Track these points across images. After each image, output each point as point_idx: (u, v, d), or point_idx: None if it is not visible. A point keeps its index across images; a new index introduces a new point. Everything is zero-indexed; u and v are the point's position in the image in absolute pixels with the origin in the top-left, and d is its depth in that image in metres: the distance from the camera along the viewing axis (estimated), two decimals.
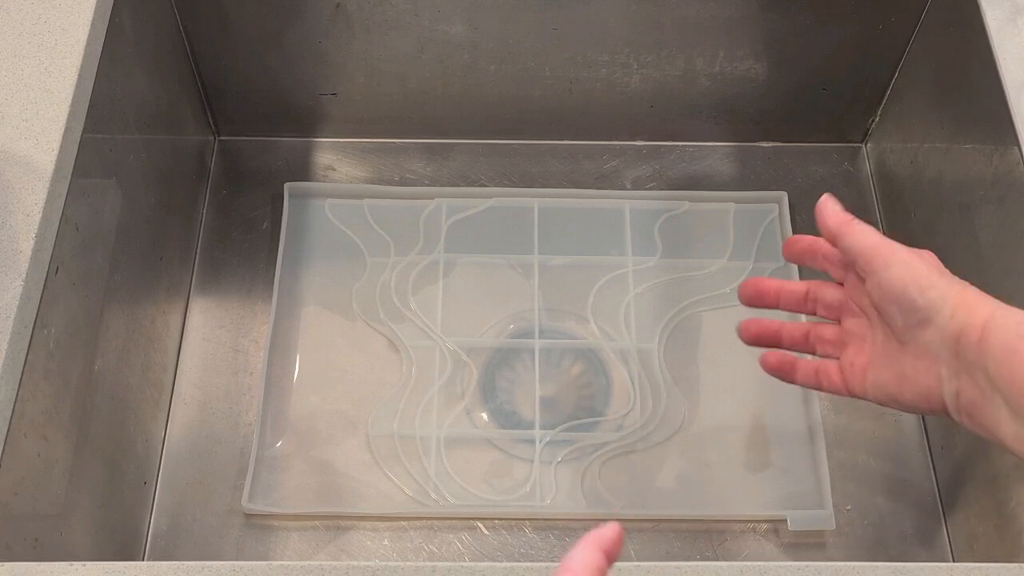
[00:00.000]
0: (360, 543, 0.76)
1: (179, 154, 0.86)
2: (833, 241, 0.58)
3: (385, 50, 0.85)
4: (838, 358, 0.60)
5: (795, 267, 0.86)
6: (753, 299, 0.64)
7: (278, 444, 0.79)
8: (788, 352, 0.64)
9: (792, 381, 0.63)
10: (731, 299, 0.86)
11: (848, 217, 0.57)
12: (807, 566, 0.50)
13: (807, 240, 0.61)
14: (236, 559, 0.66)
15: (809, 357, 0.62)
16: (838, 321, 0.61)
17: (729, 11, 0.82)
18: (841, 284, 0.60)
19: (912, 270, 0.54)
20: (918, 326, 0.54)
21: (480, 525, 0.76)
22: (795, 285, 0.62)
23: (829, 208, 0.58)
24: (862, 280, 0.57)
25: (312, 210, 0.89)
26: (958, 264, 0.76)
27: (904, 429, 0.81)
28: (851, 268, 0.59)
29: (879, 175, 0.92)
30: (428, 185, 0.91)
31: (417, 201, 0.90)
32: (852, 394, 0.59)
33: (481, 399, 0.81)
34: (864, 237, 0.56)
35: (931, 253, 0.56)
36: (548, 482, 0.78)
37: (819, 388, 0.61)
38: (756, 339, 0.64)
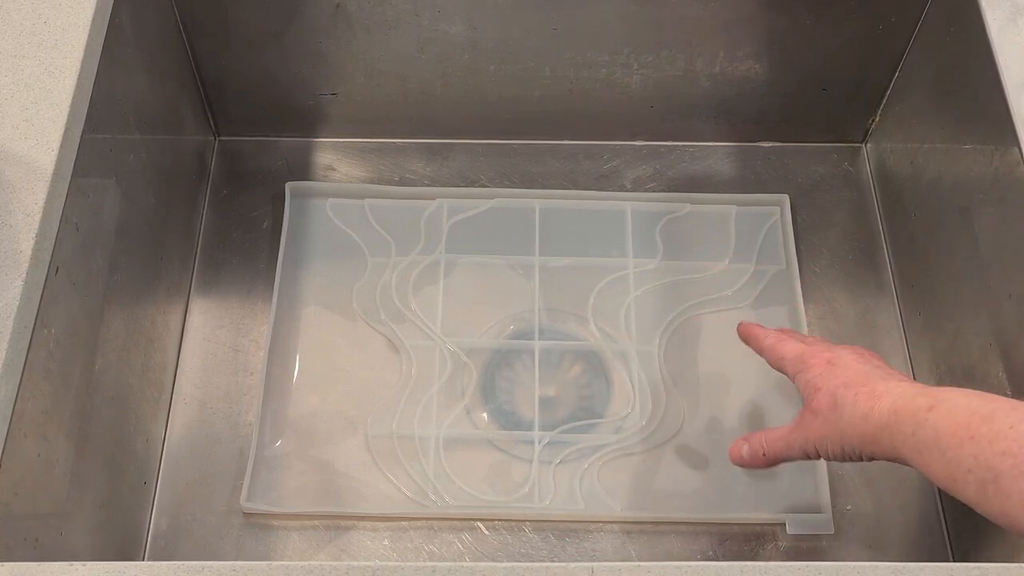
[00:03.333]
0: (360, 543, 0.76)
1: (179, 154, 0.86)
2: (761, 353, 0.71)
3: (385, 50, 0.85)
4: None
5: (795, 269, 0.86)
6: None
7: (277, 444, 0.79)
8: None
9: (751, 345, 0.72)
10: (732, 302, 0.86)
11: (759, 456, 0.67)
12: (807, 566, 0.50)
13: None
14: (236, 559, 0.66)
15: None
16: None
17: (729, 11, 0.82)
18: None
19: (832, 452, 0.62)
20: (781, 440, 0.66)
21: (480, 525, 0.76)
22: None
23: (753, 334, 0.72)
24: None
25: (313, 210, 0.89)
26: (958, 264, 0.76)
27: None
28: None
29: (879, 175, 0.92)
30: (428, 185, 0.91)
31: (418, 201, 0.90)
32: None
33: (481, 400, 0.81)
34: (789, 457, 0.65)
35: (830, 363, 0.63)
36: (547, 483, 0.78)
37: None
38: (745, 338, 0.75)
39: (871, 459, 0.59)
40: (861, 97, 0.90)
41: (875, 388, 0.58)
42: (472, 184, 0.91)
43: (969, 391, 0.53)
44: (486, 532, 0.76)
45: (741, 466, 0.68)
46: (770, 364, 0.69)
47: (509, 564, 0.50)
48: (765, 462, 0.66)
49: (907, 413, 0.54)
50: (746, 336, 0.72)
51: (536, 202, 0.90)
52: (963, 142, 0.76)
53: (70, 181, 0.62)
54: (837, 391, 0.60)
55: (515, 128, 0.93)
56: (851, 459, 0.60)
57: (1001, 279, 0.70)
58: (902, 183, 0.87)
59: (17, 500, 0.57)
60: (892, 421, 0.55)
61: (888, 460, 0.57)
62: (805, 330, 0.83)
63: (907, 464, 0.55)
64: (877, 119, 0.91)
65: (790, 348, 0.67)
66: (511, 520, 0.77)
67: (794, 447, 0.63)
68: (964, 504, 0.74)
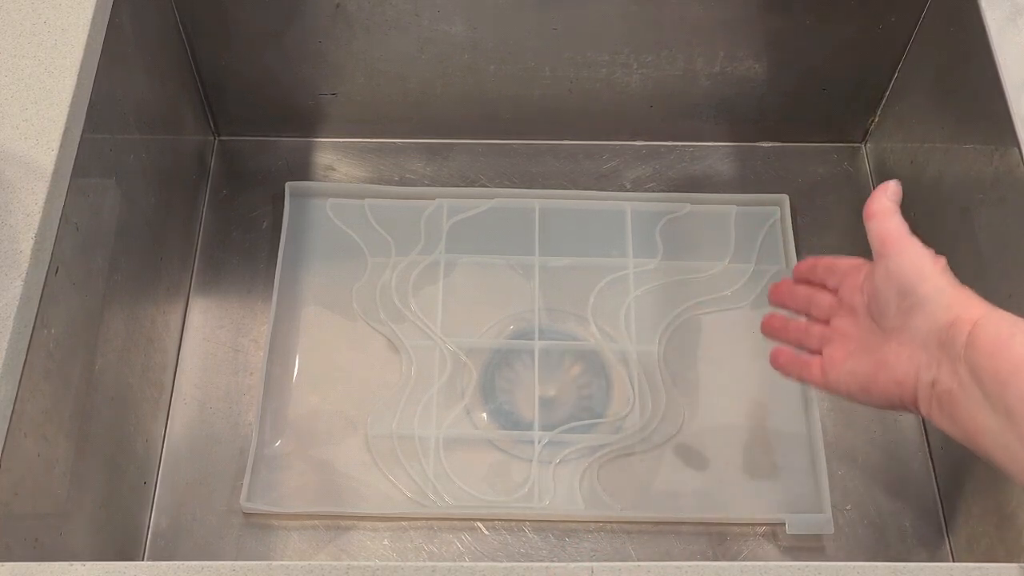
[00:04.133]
0: (360, 543, 0.76)
1: (179, 154, 0.86)
2: (865, 219, 0.61)
3: (385, 50, 0.85)
4: (818, 353, 0.64)
5: None
6: (774, 301, 0.70)
7: (277, 443, 0.79)
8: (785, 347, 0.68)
9: (787, 374, 0.66)
10: (732, 302, 0.86)
11: (892, 209, 0.61)
12: (807, 566, 0.50)
13: (807, 262, 0.67)
14: (236, 559, 0.66)
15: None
16: (827, 322, 0.64)
17: (729, 11, 0.82)
18: (834, 291, 0.64)
19: (920, 262, 0.58)
20: (910, 311, 0.57)
21: (480, 525, 0.76)
22: (801, 290, 0.67)
23: (882, 195, 0.62)
24: (860, 276, 0.61)
25: (313, 210, 0.89)
26: (958, 264, 0.76)
27: (904, 429, 0.81)
28: (850, 274, 0.63)
29: (879, 175, 0.92)
30: (428, 185, 0.91)
31: (418, 201, 0.90)
32: (827, 387, 0.62)
33: (481, 400, 0.81)
34: (892, 225, 0.60)
35: (943, 258, 0.59)
36: (547, 483, 0.78)
37: (800, 377, 0.65)
38: (767, 329, 0.69)
39: (920, 304, 0.56)
40: (861, 97, 0.90)
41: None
42: (472, 184, 0.91)
43: None
44: (486, 532, 0.76)
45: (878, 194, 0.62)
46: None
47: (509, 564, 0.50)
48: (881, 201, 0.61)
49: (1009, 314, 0.54)
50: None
51: (536, 202, 0.90)
52: (963, 142, 0.76)
53: (70, 181, 0.62)
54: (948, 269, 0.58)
55: (515, 128, 0.93)
56: (912, 285, 0.57)
57: (1001, 279, 0.70)
58: (902, 183, 0.87)
59: (17, 500, 0.57)
60: (988, 311, 0.54)
61: (955, 332, 0.54)
62: None
63: (971, 346, 0.53)
64: (877, 119, 0.91)
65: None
66: (511, 520, 0.77)
67: (900, 229, 0.59)
68: (964, 504, 0.75)
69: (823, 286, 0.66)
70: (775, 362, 0.67)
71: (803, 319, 0.67)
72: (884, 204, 0.61)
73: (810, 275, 0.67)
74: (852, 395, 0.60)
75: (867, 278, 0.61)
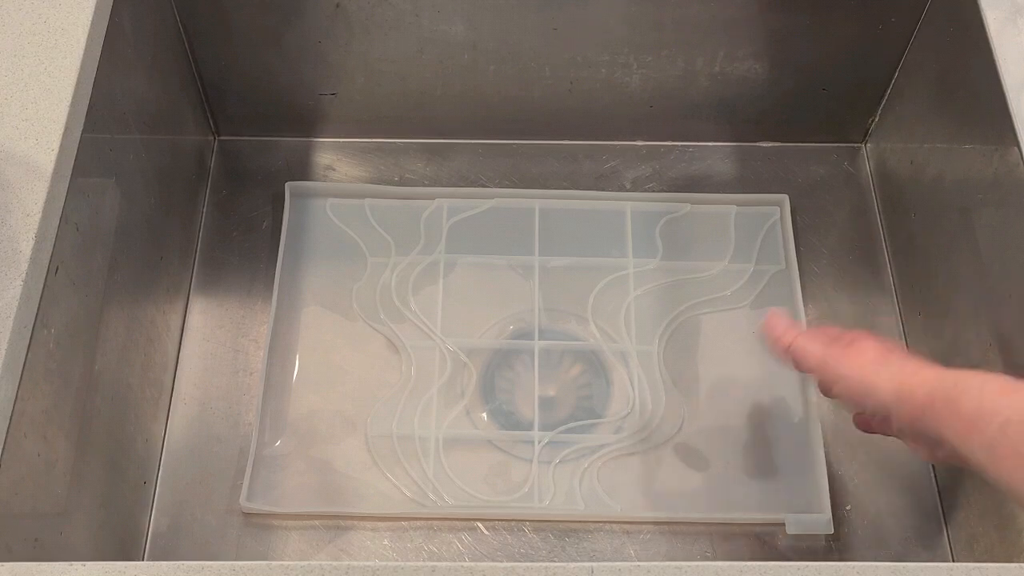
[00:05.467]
0: (360, 543, 0.76)
1: (179, 154, 0.86)
2: (780, 359, 0.65)
3: (385, 50, 0.85)
4: None
5: (795, 269, 0.86)
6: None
7: (277, 443, 0.79)
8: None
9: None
10: (732, 302, 0.86)
11: (787, 343, 0.64)
12: (807, 566, 0.50)
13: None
14: (236, 559, 0.66)
15: None
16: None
17: (729, 11, 0.82)
18: None
19: (850, 386, 0.60)
20: (884, 421, 0.61)
21: (480, 525, 0.76)
22: None
23: (769, 339, 0.66)
24: None
25: (313, 210, 0.89)
26: (958, 264, 0.76)
27: None
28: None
29: (879, 175, 0.92)
30: (428, 185, 0.91)
31: (418, 201, 0.90)
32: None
33: (481, 400, 0.81)
34: (804, 363, 0.63)
35: (866, 338, 0.62)
36: (547, 483, 0.78)
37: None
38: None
39: (882, 414, 0.59)
40: (861, 97, 0.90)
41: (929, 363, 0.59)
42: (472, 184, 0.91)
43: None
44: (486, 532, 0.76)
45: (766, 332, 0.66)
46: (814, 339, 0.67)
47: (509, 564, 0.50)
48: (783, 353, 0.65)
49: (958, 374, 0.56)
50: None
51: (536, 202, 0.90)
52: (963, 142, 0.76)
53: (70, 181, 0.62)
54: (892, 350, 0.61)
55: (515, 128, 0.93)
56: (858, 402, 0.60)
57: (1001, 279, 0.70)
58: (902, 183, 0.87)
59: (17, 500, 0.57)
60: (939, 377, 0.56)
61: (905, 420, 0.57)
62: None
63: (925, 426, 0.56)
64: (877, 119, 0.91)
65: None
66: (511, 520, 0.77)
67: (816, 358, 0.62)
68: (964, 504, 0.75)
69: None
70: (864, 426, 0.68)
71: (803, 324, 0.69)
72: (782, 343, 0.64)
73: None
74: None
75: None
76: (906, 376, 0.58)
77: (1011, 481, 0.50)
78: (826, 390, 0.63)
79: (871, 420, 0.65)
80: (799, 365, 0.64)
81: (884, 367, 0.59)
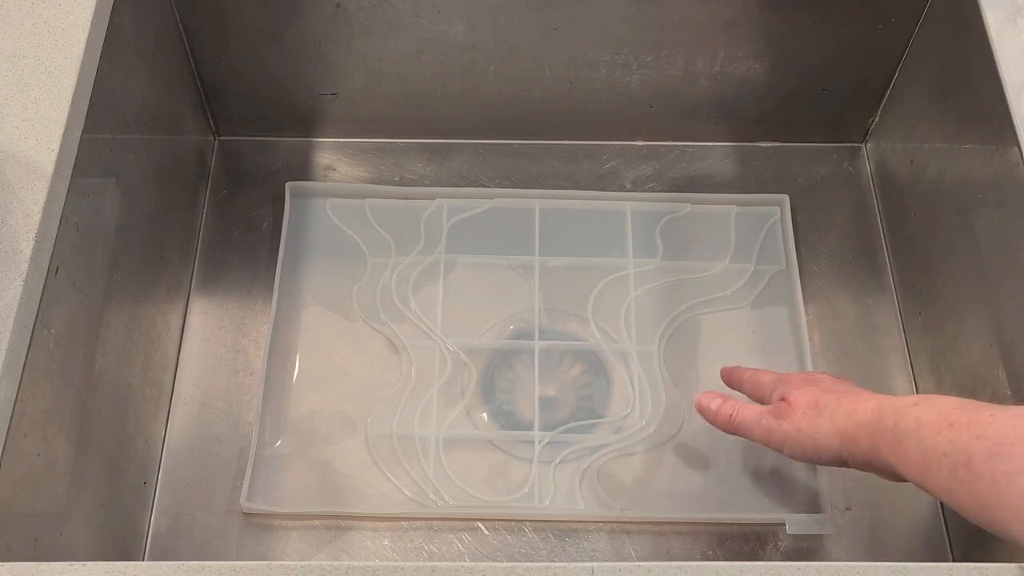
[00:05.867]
0: (360, 543, 0.76)
1: (179, 154, 0.86)
2: (730, 433, 0.69)
3: (385, 50, 0.85)
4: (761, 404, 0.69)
5: (795, 269, 0.86)
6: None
7: (277, 444, 0.79)
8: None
9: (714, 422, 0.71)
10: (732, 302, 0.86)
11: (725, 421, 0.68)
12: (807, 566, 0.50)
13: (727, 373, 0.75)
14: (236, 559, 0.66)
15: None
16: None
17: (729, 11, 0.82)
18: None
19: (795, 448, 0.62)
20: (840, 467, 0.62)
21: (480, 525, 0.76)
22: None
23: (708, 416, 0.70)
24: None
25: (313, 210, 0.89)
26: (958, 264, 0.76)
27: None
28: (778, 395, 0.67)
29: (879, 175, 0.92)
30: (428, 185, 0.91)
31: (418, 201, 0.90)
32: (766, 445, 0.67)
33: (481, 400, 0.81)
34: (751, 437, 0.66)
35: (797, 385, 0.64)
36: (547, 483, 0.78)
37: (735, 434, 0.70)
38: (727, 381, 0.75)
39: (839, 463, 0.60)
40: (861, 97, 0.90)
41: (859, 395, 0.60)
42: (472, 184, 0.91)
43: (953, 397, 0.55)
44: (486, 532, 0.76)
45: (700, 412, 0.71)
46: (750, 394, 0.71)
47: (509, 564, 0.50)
48: (726, 427, 0.68)
49: (891, 408, 0.56)
50: (727, 376, 0.75)
51: (536, 202, 0.90)
52: (963, 142, 0.76)
53: (70, 181, 0.62)
54: (820, 396, 0.62)
55: (515, 128, 0.93)
56: (813, 459, 0.62)
57: (1001, 279, 0.70)
58: (902, 183, 0.87)
59: (17, 500, 0.57)
60: (875, 417, 0.56)
61: (860, 464, 0.59)
62: (805, 330, 0.83)
63: (880, 465, 0.57)
64: (877, 119, 0.91)
65: (767, 373, 0.70)
66: (511, 520, 0.77)
67: (759, 429, 0.64)
68: None
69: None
70: (700, 406, 0.72)
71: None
72: (722, 417, 0.68)
73: (736, 384, 0.73)
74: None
75: None
76: (843, 421, 0.59)
77: (980, 519, 0.50)
78: (777, 452, 0.64)
79: None
80: (751, 438, 0.66)
81: (819, 417, 0.60)
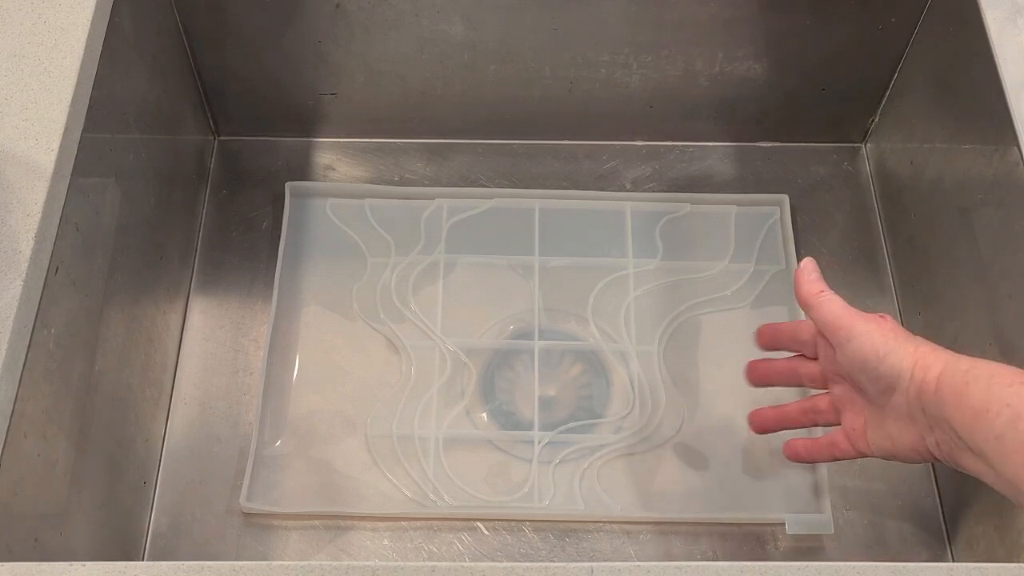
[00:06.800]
0: (360, 543, 0.76)
1: (179, 154, 0.86)
2: (804, 309, 0.64)
3: (385, 50, 0.85)
4: (838, 424, 0.65)
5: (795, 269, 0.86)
6: (755, 382, 0.72)
7: (277, 444, 0.79)
8: (799, 435, 0.71)
9: (812, 462, 0.70)
10: (732, 302, 0.86)
11: (818, 288, 0.63)
12: (807, 566, 0.50)
13: (767, 330, 0.69)
14: (236, 559, 0.66)
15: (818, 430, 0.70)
16: (827, 389, 0.66)
17: (729, 11, 0.82)
18: (815, 358, 0.66)
19: (869, 341, 0.59)
20: (886, 391, 0.59)
21: (480, 525, 0.76)
22: (780, 363, 0.69)
23: (803, 279, 0.64)
24: (832, 350, 0.62)
25: (313, 210, 0.89)
26: (958, 264, 0.76)
27: None
28: (819, 343, 0.65)
29: (879, 175, 0.92)
30: (428, 185, 0.91)
31: (418, 201, 0.90)
32: (863, 455, 0.64)
33: (480, 400, 0.81)
34: (827, 310, 0.62)
35: (888, 317, 0.61)
36: (547, 483, 0.78)
37: (836, 459, 0.66)
38: (763, 428, 0.71)
39: (893, 379, 0.58)
40: (861, 97, 0.90)
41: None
42: (472, 184, 0.91)
43: None
44: (486, 532, 0.76)
45: (799, 275, 0.64)
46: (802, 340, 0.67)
47: (509, 564, 0.50)
48: (809, 298, 0.63)
49: (966, 358, 0.56)
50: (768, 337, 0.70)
51: (536, 202, 0.90)
52: (963, 142, 0.76)
53: (70, 181, 0.62)
54: (907, 332, 0.60)
55: (515, 128, 0.93)
56: (876, 366, 0.58)
57: (1001, 279, 0.70)
58: (902, 183, 0.87)
59: (17, 500, 0.57)
60: (951, 357, 0.56)
61: (913, 394, 0.57)
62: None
63: (928, 402, 0.56)
64: (877, 119, 0.91)
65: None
66: (511, 520, 0.77)
67: (840, 311, 0.60)
68: (964, 504, 0.75)
69: (801, 355, 0.67)
70: (793, 455, 0.69)
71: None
72: (814, 288, 0.63)
73: (776, 344, 0.69)
74: (887, 459, 0.63)
75: (836, 358, 0.62)
76: (925, 351, 0.58)
77: (1017, 477, 0.50)
78: (839, 345, 0.60)
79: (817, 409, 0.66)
80: (819, 314, 0.61)
81: (905, 339, 0.59)
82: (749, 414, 0.72)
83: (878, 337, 0.59)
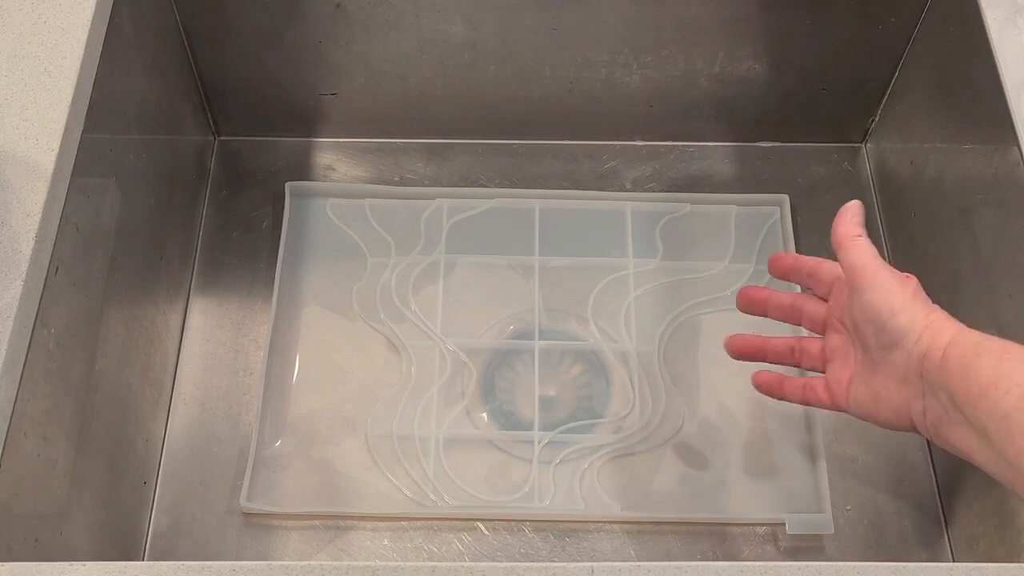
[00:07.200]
0: (360, 543, 0.76)
1: (179, 154, 0.86)
2: (835, 248, 0.61)
3: (385, 50, 0.85)
4: (822, 372, 0.63)
5: None
6: (746, 307, 0.68)
7: (277, 444, 0.79)
8: (776, 371, 0.67)
9: (781, 398, 0.66)
10: (732, 302, 0.84)
11: (857, 232, 0.60)
12: (807, 566, 0.50)
13: (790, 258, 0.66)
14: (236, 559, 0.66)
15: (794, 371, 0.66)
16: (822, 335, 0.64)
17: (729, 11, 0.82)
18: (825, 300, 0.64)
19: (888, 294, 0.57)
20: (888, 347, 0.57)
21: (480, 525, 0.76)
22: (783, 296, 0.66)
23: (846, 218, 0.61)
24: (846, 296, 0.60)
25: (313, 210, 0.89)
26: (958, 264, 0.76)
27: None
28: (835, 286, 0.62)
29: (879, 175, 0.92)
30: (428, 185, 0.91)
31: (418, 201, 0.90)
32: (837, 408, 0.62)
33: (481, 400, 0.81)
34: (857, 254, 0.59)
35: (914, 278, 0.59)
36: (547, 483, 0.78)
37: (806, 403, 0.64)
38: (740, 353, 0.68)
39: (898, 336, 0.56)
40: (861, 97, 0.90)
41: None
42: (472, 184, 0.91)
43: None
44: (486, 532, 0.76)
45: (844, 211, 0.62)
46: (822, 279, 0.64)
47: (509, 564, 0.50)
48: (845, 237, 0.60)
49: (978, 331, 0.55)
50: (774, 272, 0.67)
51: (536, 202, 0.90)
52: (963, 142, 0.76)
53: (70, 181, 0.62)
54: (919, 290, 0.58)
55: (515, 128, 0.93)
56: (888, 319, 0.56)
57: (1001, 279, 0.70)
58: (902, 183, 0.87)
59: (17, 500, 0.57)
60: (961, 327, 0.55)
61: (916, 357, 0.55)
62: (805, 330, 0.83)
63: (931, 368, 0.54)
64: (877, 119, 0.91)
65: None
66: (511, 520, 0.77)
67: (869, 256, 0.59)
68: (964, 504, 0.75)
69: (810, 294, 0.65)
70: (759, 385, 0.67)
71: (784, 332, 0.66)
72: (851, 230, 0.60)
73: (791, 275, 0.66)
74: (860, 417, 0.61)
75: (848, 305, 0.60)
76: (938, 317, 0.56)
77: (1019, 461, 0.49)
78: (857, 291, 0.58)
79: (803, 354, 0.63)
80: (848, 256, 0.59)
81: (923, 302, 0.57)
82: (728, 337, 0.68)
83: (898, 292, 0.57)
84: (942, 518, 0.77)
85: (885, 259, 0.87)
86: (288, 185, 0.89)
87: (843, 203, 0.90)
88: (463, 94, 0.89)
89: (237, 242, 0.88)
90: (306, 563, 0.50)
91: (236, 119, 0.92)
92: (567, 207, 0.90)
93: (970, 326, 0.74)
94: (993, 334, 0.70)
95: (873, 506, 0.78)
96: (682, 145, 0.94)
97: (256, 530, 0.76)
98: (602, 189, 0.91)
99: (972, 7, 0.72)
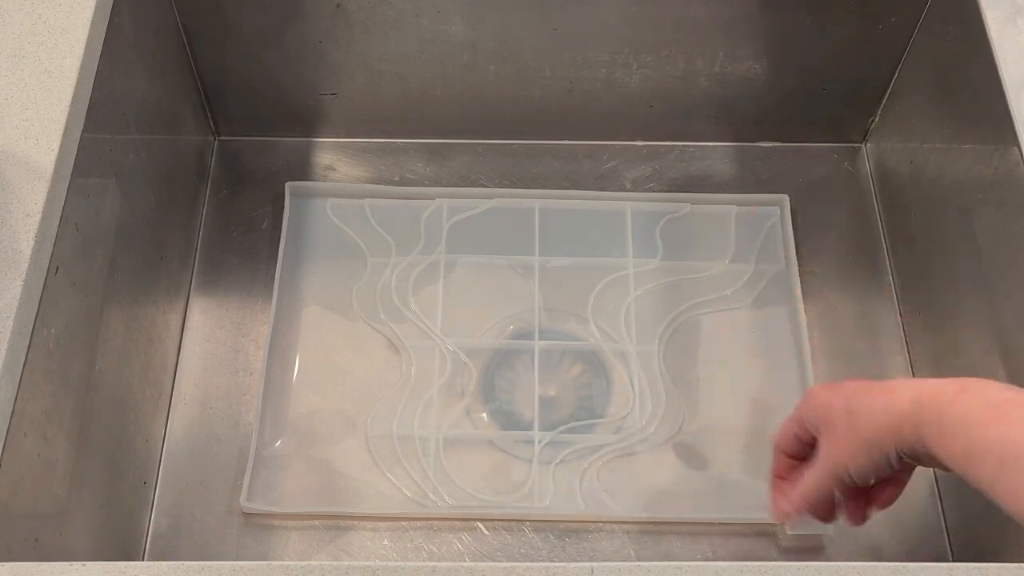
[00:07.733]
0: (360, 543, 0.76)
1: (179, 154, 0.86)
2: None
3: (385, 50, 0.85)
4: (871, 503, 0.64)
5: (795, 269, 0.86)
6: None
7: (277, 444, 0.79)
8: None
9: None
10: (732, 302, 0.86)
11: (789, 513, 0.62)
12: (807, 566, 0.50)
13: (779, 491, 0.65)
14: (236, 559, 0.66)
15: None
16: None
17: (729, 11, 0.82)
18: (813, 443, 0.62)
19: (866, 399, 0.57)
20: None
21: (480, 525, 0.76)
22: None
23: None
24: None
25: (313, 210, 0.89)
26: (958, 264, 0.76)
27: None
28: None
29: (879, 175, 0.92)
30: (428, 185, 0.91)
31: (418, 201, 0.90)
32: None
33: (481, 400, 0.81)
34: (822, 414, 0.59)
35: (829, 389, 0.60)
36: (547, 483, 0.78)
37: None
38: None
39: (900, 459, 0.56)
40: (861, 97, 0.90)
41: (889, 386, 0.57)
42: (472, 184, 0.91)
43: (993, 381, 0.53)
44: (486, 532, 0.76)
45: (787, 522, 0.66)
46: (790, 433, 0.64)
47: (509, 564, 0.50)
48: (810, 508, 0.62)
49: (931, 397, 0.53)
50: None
51: (536, 202, 0.90)
52: (963, 142, 0.76)
53: (70, 181, 0.62)
54: (849, 400, 0.58)
55: (515, 128, 0.93)
56: (881, 465, 0.57)
57: (1001, 279, 0.70)
58: (902, 183, 0.87)
59: (17, 500, 0.57)
60: (915, 409, 0.54)
61: (910, 455, 0.55)
62: (805, 330, 0.83)
63: (923, 454, 0.54)
64: (877, 119, 0.91)
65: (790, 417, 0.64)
66: (511, 520, 0.77)
67: (827, 478, 0.59)
68: (964, 504, 0.75)
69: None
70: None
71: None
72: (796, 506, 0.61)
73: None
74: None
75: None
76: (883, 418, 0.56)
77: (1018, 514, 0.49)
78: (847, 412, 0.58)
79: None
80: (814, 417, 0.60)
81: (892, 386, 0.57)
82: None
83: (872, 394, 0.57)
84: (942, 518, 0.77)
85: (885, 259, 0.88)
86: (288, 185, 0.89)
87: (843, 203, 0.91)
88: (463, 94, 0.89)
89: (237, 242, 0.88)
90: (306, 563, 0.50)
91: (236, 119, 0.92)
92: (567, 207, 0.90)
93: (970, 327, 0.74)
94: (993, 334, 0.71)
95: None
96: (682, 145, 0.94)
97: (256, 530, 0.76)
98: (602, 189, 0.91)
99: (972, 7, 0.72)
